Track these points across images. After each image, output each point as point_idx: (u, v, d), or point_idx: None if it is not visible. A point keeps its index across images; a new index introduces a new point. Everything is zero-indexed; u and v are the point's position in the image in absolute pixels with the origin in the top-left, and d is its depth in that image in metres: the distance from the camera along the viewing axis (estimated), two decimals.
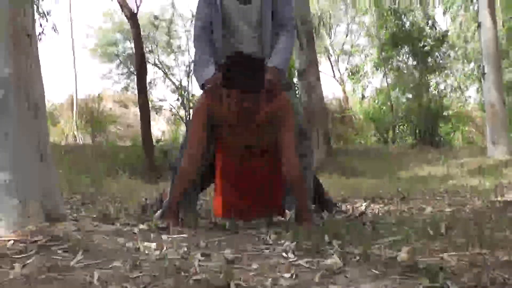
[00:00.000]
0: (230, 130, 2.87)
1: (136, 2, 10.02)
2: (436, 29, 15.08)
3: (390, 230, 2.65)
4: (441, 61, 15.39)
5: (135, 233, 2.44)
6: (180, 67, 15.09)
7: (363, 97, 18.49)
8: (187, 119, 12.28)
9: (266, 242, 2.40)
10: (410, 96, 15.08)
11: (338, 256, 1.98)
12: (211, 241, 2.37)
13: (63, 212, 2.59)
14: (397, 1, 15.37)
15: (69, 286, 1.64)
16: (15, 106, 2.32)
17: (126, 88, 19.76)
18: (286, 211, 3.25)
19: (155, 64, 16.63)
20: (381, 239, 2.36)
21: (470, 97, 19.39)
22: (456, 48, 17.44)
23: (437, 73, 15.24)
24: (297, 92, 9.55)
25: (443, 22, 25.75)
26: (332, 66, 22.09)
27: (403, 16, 14.97)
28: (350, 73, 20.04)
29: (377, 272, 1.81)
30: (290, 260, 2.01)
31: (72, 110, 17.34)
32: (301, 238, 2.31)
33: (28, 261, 1.85)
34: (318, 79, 10.16)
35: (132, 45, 11.33)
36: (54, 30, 13.16)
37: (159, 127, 17.27)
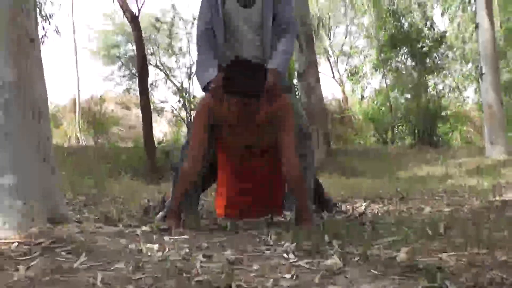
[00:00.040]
0: (230, 130, 2.88)
1: (137, 5, 10.04)
2: (434, 30, 15.11)
3: (389, 230, 2.65)
4: (439, 62, 15.40)
5: (138, 234, 2.44)
6: (181, 69, 15.08)
7: (362, 97, 18.49)
8: (188, 120, 12.28)
9: (266, 243, 2.41)
10: (408, 96, 15.08)
11: (338, 257, 1.98)
12: (212, 242, 2.37)
13: (66, 214, 2.60)
14: (395, 3, 15.37)
15: None
16: (18, 110, 2.33)
17: (128, 90, 19.75)
18: (287, 212, 3.26)
19: (156, 66, 16.63)
20: (381, 239, 2.36)
21: (468, 97, 19.39)
22: (454, 49, 17.42)
23: (435, 73, 15.25)
24: (297, 93, 9.55)
25: (441, 23, 25.74)
26: (331, 67, 22.07)
27: (401, 18, 14.98)
28: (350, 74, 20.04)
29: (376, 272, 1.81)
30: (291, 260, 2.01)
31: (74, 112, 17.37)
32: (301, 239, 2.31)
33: (32, 263, 1.86)
34: (318, 80, 10.16)
35: (134, 47, 11.33)
36: (57, 33, 13.20)
37: (161, 129, 17.28)
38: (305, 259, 2.02)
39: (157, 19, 14.51)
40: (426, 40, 14.60)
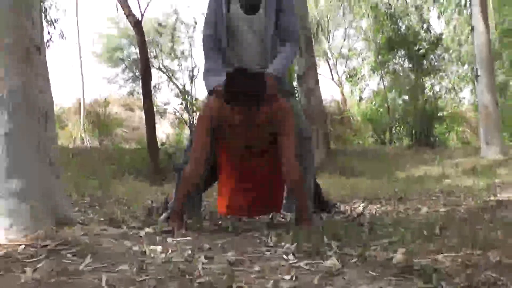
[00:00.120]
0: (231, 131, 2.88)
1: (140, 10, 10.03)
2: (431, 32, 15.08)
3: (387, 231, 2.66)
4: (436, 64, 15.39)
5: (141, 236, 2.45)
6: (184, 72, 15.08)
7: (360, 99, 18.48)
8: (191, 122, 12.29)
9: (267, 244, 2.41)
10: (406, 98, 15.07)
11: (336, 258, 1.99)
12: (214, 244, 2.38)
13: (72, 216, 2.61)
14: (393, 6, 15.37)
15: None
16: (25, 115, 2.34)
17: (131, 93, 19.77)
18: (287, 212, 3.27)
19: (159, 69, 16.64)
20: (378, 240, 2.37)
21: (464, 98, 19.39)
22: (451, 51, 17.40)
23: (432, 75, 15.23)
24: (297, 95, 9.55)
25: (437, 26, 25.77)
26: (330, 69, 22.10)
27: (399, 21, 14.98)
28: (348, 76, 20.03)
29: (373, 273, 1.82)
30: (290, 262, 2.02)
31: (79, 113, 17.37)
32: (301, 240, 2.32)
33: (38, 265, 1.87)
34: (317, 82, 10.15)
35: (137, 50, 11.33)
36: (62, 37, 13.24)
37: (164, 130, 17.28)
38: (305, 260, 2.03)
39: (160, 24, 14.50)
40: (423, 43, 14.59)
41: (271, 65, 3.03)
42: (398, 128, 15.19)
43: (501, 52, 16.57)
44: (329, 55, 21.98)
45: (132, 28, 9.73)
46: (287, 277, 1.79)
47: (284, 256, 2.11)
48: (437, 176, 7.60)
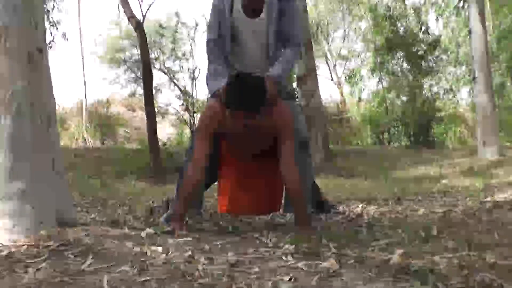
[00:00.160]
0: (232, 133, 2.89)
1: (142, 12, 10.05)
2: (429, 34, 15.12)
3: (384, 232, 2.67)
4: (434, 65, 15.42)
5: (143, 237, 2.46)
6: (185, 73, 15.09)
7: (359, 99, 18.49)
8: (192, 122, 12.32)
9: (266, 245, 2.42)
10: (404, 98, 15.09)
11: (334, 259, 2.00)
12: (214, 245, 2.39)
13: (74, 216, 2.62)
14: (391, 8, 15.38)
15: None
16: (28, 117, 2.34)
17: (133, 94, 19.78)
18: (286, 213, 3.27)
19: (160, 70, 16.65)
20: (376, 241, 2.38)
21: (462, 99, 19.38)
22: (448, 52, 17.41)
23: (430, 76, 15.26)
24: (296, 97, 9.56)
25: (435, 28, 25.74)
26: (330, 70, 22.12)
27: (397, 22, 15.00)
28: (347, 77, 20.04)
29: (371, 274, 1.83)
30: (289, 263, 2.03)
31: (81, 114, 17.38)
32: (299, 241, 2.33)
33: (41, 266, 1.87)
34: (317, 84, 10.17)
35: (139, 51, 11.34)
36: (64, 38, 13.24)
37: (165, 130, 17.29)
38: (303, 261, 2.03)
39: (161, 26, 14.52)
40: (421, 44, 14.64)
41: (272, 69, 3.03)
42: (396, 128, 15.20)
43: (498, 54, 16.57)
44: (329, 56, 22.00)
45: (133, 30, 9.74)
46: (286, 278, 1.80)
47: (283, 257, 2.11)
48: (435, 177, 7.61)
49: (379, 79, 16.63)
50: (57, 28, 12.77)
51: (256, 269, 1.92)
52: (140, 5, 10.14)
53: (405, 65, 15.15)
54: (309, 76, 9.88)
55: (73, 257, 2.01)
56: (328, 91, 27.08)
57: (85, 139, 16.10)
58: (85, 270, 1.86)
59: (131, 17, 9.11)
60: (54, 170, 2.44)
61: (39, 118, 2.39)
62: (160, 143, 9.89)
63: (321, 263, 1.97)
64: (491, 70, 10.88)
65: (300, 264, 1.98)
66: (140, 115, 18.48)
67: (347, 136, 17.32)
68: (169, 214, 3.06)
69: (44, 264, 1.90)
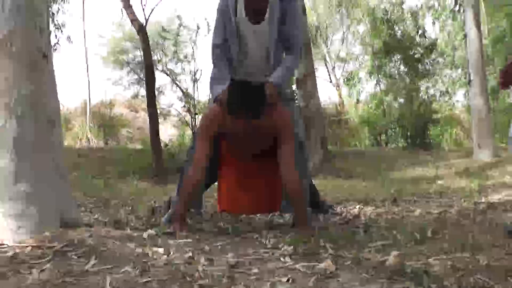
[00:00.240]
0: (233, 136, 2.90)
1: (145, 15, 10.06)
2: (426, 38, 15.10)
3: (381, 233, 2.67)
4: (430, 68, 15.39)
5: (144, 238, 2.46)
6: (187, 75, 15.07)
7: (358, 101, 18.47)
8: (193, 124, 12.32)
9: (265, 246, 2.43)
10: (401, 101, 15.07)
11: (331, 260, 2.01)
12: (214, 246, 2.39)
13: (78, 217, 2.63)
14: (389, 12, 15.38)
15: None
16: (32, 120, 2.35)
17: (136, 96, 19.76)
18: (285, 213, 3.28)
19: (163, 71, 16.64)
20: (372, 243, 2.39)
21: (458, 101, 19.36)
22: (445, 56, 17.41)
23: (427, 79, 15.23)
24: (296, 100, 9.55)
25: (432, 32, 25.72)
26: (329, 72, 22.10)
27: (395, 26, 14.99)
28: (346, 79, 20.02)
29: (367, 276, 1.84)
30: (287, 264, 2.03)
31: (85, 114, 17.37)
32: (297, 243, 2.34)
33: (45, 267, 1.88)
34: (316, 87, 10.17)
35: (141, 53, 11.33)
36: (69, 41, 13.25)
37: (167, 131, 17.28)
38: (301, 262, 2.04)
39: (164, 28, 14.52)
40: (418, 48, 14.61)
41: (274, 74, 3.03)
42: (394, 130, 15.18)
43: (494, 57, 16.57)
44: (328, 58, 21.99)
45: (136, 32, 9.74)
46: (284, 279, 1.80)
47: (282, 259, 2.12)
48: (431, 178, 7.60)
49: (377, 81, 16.62)
50: (61, 31, 12.80)
51: (255, 270, 1.93)
52: (143, 9, 10.15)
53: (402, 68, 15.11)
54: (308, 78, 9.87)
55: (76, 258, 2.02)
56: (327, 93, 27.12)
57: (88, 139, 16.09)
58: (88, 270, 1.87)
59: (133, 20, 9.11)
60: (57, 172, 2.45)
61: (43, 121, 2.40)
62: (162, 144, 9.89)
63: (318, 265, 1.97)
64: (486, 73, 10.87)
65: (298, 265, 1.99)
66: (143, 116, 18.48)
67: (346, 137, 17.30)
68: (170, 214, 3.07)
69: (48, 265, 1.90)
